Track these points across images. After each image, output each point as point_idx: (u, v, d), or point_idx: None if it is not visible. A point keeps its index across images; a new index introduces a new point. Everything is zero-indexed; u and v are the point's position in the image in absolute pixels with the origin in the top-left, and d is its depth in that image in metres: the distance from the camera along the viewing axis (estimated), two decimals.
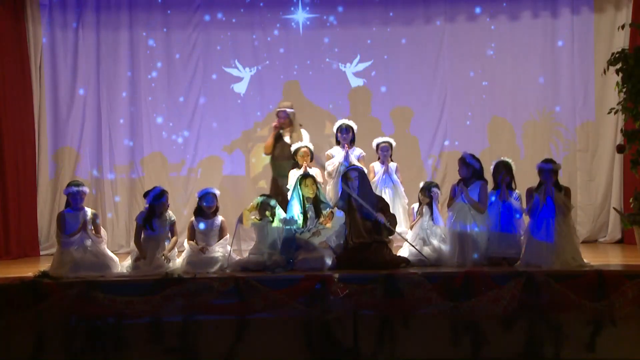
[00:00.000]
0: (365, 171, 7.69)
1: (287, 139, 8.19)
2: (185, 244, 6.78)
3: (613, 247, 8.70)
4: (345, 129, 7.96)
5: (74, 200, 6.72)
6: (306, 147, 7.94)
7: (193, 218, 6.89)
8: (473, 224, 6.54)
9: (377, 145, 8.04)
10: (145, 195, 6.72)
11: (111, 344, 5.72)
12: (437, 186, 7.18)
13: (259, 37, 9.72)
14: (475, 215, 6.56)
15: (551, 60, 9.52)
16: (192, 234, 6.79)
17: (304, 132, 8.30)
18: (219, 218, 6.85)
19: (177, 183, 9.59)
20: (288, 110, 8.28)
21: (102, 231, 6.87)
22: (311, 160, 7.93)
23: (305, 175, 6.91)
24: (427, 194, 7.02)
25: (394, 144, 8.08)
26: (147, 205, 6.63)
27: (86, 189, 6.85)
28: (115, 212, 9.56)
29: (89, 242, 6.58)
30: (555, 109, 9.50)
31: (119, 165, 9.64)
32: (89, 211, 6.76)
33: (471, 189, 6.67)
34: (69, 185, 6.91)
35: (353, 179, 6.68)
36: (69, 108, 9.57)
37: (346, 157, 7.83)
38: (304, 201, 6.76)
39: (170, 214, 6.76)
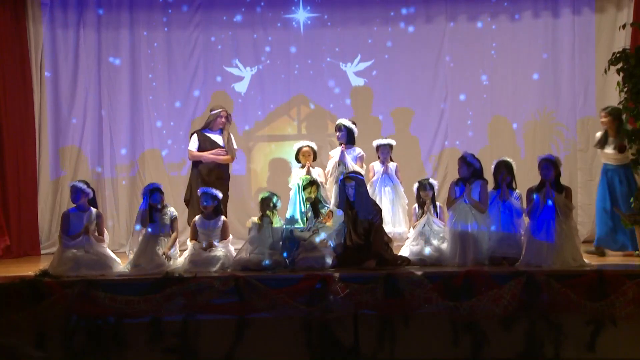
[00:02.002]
0: (364, 172, 7.72)
1: (214, 136, 8.07)
2: (188, 243, 6.77)
3: None
4: (339, 128, 7.96)
5: (72, 196, 6.70)
6: (308, 146, 7.91)
7: (196, 217, 6.88)
8: (474, 224, 6.54)
9: (377, 147, 8.04)
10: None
11: (111, 343, 5.72)
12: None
13: (259, 36, 9.72)
14: (476, 215, 6.56)
15: (552, 59, 9.51)
16: (195, 234, 6.79)
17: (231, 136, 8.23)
18: (221, 218, 6.83)
19: (177, 182, 9.59)
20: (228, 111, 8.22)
21: (105, 232, 6.84)
22: (314, 160, 7.91)
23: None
24: (428, 188, 7.01)
25: (394, 144, 8.08)
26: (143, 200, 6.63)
27: (86, 189, 6.75)
28: (115, 211, 9.56)
29: (90, 244, 6.55)
30: (556, 109, 9.49)
31: (120, 165, 9.65)
32: (93, 212, 6.72)
33: (471, 188, 6.67)
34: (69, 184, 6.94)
35: (348, 187, 6.66)
36: (70, 107, 9.57)
37: (342, 157, 7.80)
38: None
39: (172, 209, 6.75)
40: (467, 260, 6.43)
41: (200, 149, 7.96)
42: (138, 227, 6.65)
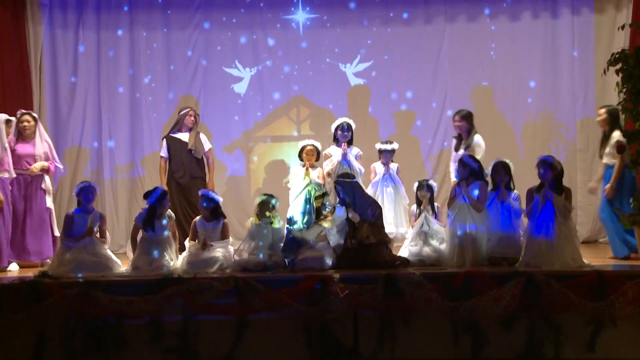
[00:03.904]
0: (362, 171, 7.74)
1: (184, 137, 8.24)
2: (186, 244, 6.76)
3: None
4: (346, 128, 7.96)
5: (85, 196, 6.62)
6: (312, 145, 7.90)
7: (196, 218, 6.87)
8: (473, 224, 6.54)
9: (381, 151, 8.05)
10: (146, 196, 6.66)
11: (111, 344, 5.71)
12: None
13: (259, 37, 9.74)
14: (475, 215, 6.56)
15: (551, 60, 9.53)
16: (194, 235, 6.77)
17: (202, 136, 8.37)
18: (221, 220, 6.80)
19: None
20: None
21: (107, 234, 6.81)
22: (317, 160, 7.91)
23: (323, 195, 6.71)
24: (426, 190, 7.01)
25: (396, 147, 8.10)
26: (148, 206, 6.60)
27: (95, 186, 6.77)
28: (115, 212, 9.57)
29: (92, 245, 6.50)
30: (556, 109, 9.51)
31: (120, 165, 9.67)
32: (97, 214, 6.69)
33: (470, 189, 6.68)
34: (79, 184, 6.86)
35: (339, 192, 6.66)
36: (69, 108, 9.59)
37: (344, 156, 7.82)
38: (314, 210, 6.65)
39: (169, 212, 6.73)
40: (465, 260, 6.43)
41: (170, 152, 8.17)
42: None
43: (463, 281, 5.68)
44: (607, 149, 7.45)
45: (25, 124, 7.51)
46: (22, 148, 7.46)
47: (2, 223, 7.07)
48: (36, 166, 7.45)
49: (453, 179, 7.87)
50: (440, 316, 5.62)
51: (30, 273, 6.29)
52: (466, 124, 8.00)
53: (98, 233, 6.64)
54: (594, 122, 9.33)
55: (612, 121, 7.49)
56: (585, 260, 6.33)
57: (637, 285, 5.58)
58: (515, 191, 6.79)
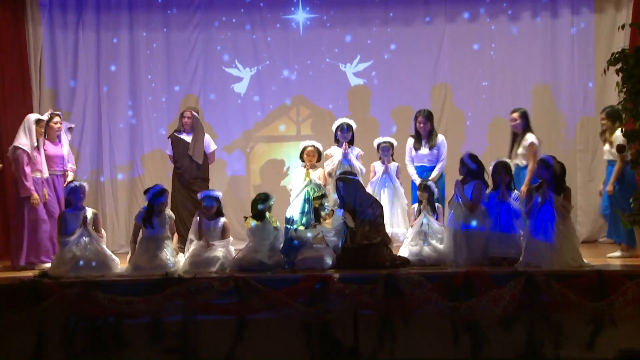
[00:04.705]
0: (363, 171, 7.74)
1: (187, 138, 8.29)
2: (191, 237, 6.78)
3: (613, 247, 8.68)
4: (346, 128, 7.96)
5: (75, 196, 6.69)
6: (313, 146, 7.90)
7: (197, 219, 6.88)
8: (470, 224, 6.55)
9: (378, 145, 8.04)
10: (146, 192, 6.72)
11: (111, 344, 5.72)
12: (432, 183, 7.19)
13: (259, 37, 9.73)
14: (474, 214, 6.57)
15: (551, 60, 9.53)
16: (200, 234, 6.77)
17: (207, 137, 8.41)
18: (222, 220, 6.83)
19: None
20: (194, 112, 8.40)
21: (102, 231, 6.86)
22: (318, 161, 7.91)
23: (321, 197, 6.76)
24: (424, 190, 7.02)
25: (395, 143, 8.09)
26: (146, 203, 6.62)
27: (86, 187, 6.84)
28: (115, 212, 9.57)
29: (88, 240, 6.53)
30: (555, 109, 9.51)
31: (119, 165, 9.66)
32: (89, 210, 6.74)
33: (466, 188, 6.71)
34: (67, 184, 6.93)
35: (340, 189, 6.67)
36: (69, 108, 9.57)
37: (345, 156, 7.83)
38: (312, 211, 6.66)
39: (169, 212, 6.75)
40: (462, 259, 6.45)
41: (174, 152, 8.28)
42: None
43: (463, 281, 5.69)
44: (520, 150, 7.63)
45: (59, 125, 7.60)
46: (51, 149, 7.56)
47: (36, 221, 7.19)
48: (71, 174, 7.64)
49: (417, 180, 7.71)
50: (440, 316, 5.63)
51: (30, 273, 6.29)
52: (429, 124, 7.96)
53: (93, 229, 6.66)
54: (594, 122, 9.35)
55: (525, 124, 7.74)
56: (585, 260, 6.34)
57: (637, 285, 5.58)
58: (515, 191, 6.80)
